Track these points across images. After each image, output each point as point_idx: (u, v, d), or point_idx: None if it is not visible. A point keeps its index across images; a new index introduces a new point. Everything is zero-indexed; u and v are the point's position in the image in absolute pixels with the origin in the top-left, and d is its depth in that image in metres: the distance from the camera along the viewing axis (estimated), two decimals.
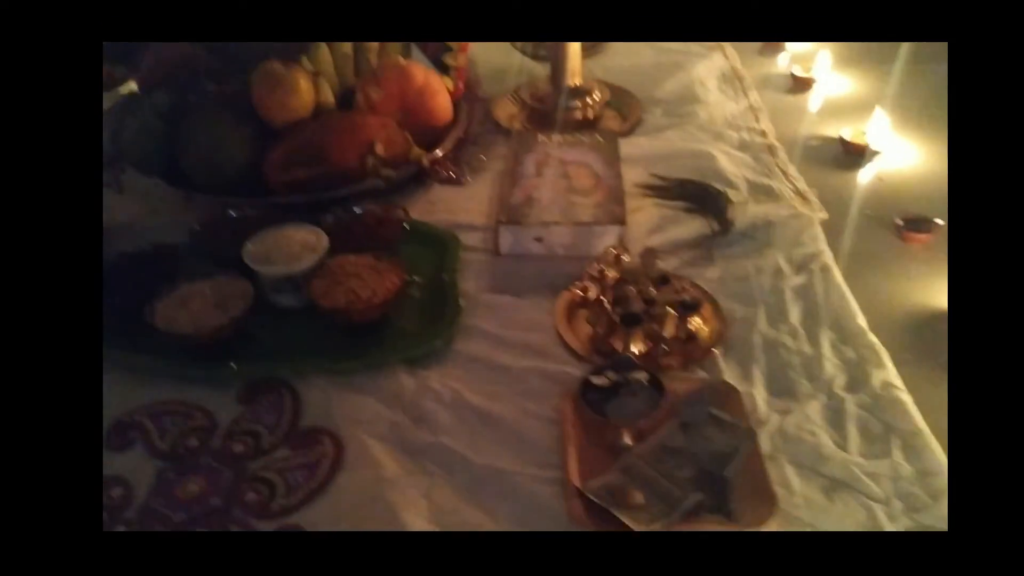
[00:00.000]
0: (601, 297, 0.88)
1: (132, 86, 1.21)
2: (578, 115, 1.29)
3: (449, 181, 1.16)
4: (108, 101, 1.17)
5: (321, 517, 0.70)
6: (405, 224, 1.00)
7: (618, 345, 0.84)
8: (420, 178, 1.15)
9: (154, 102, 1.11)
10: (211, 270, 0.91)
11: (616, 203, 1.02)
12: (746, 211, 1.06)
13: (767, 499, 0.69)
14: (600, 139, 1.16)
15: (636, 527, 0.66)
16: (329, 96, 1.13)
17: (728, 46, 1.58)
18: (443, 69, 1.23)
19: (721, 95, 1.41)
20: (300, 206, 1.03)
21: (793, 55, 1.59)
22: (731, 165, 1.18)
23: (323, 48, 1.16)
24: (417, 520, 0.69)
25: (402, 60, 1.17)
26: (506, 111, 1.36)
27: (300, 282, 0.89)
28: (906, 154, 1.24)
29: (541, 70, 1.42)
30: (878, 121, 1.25)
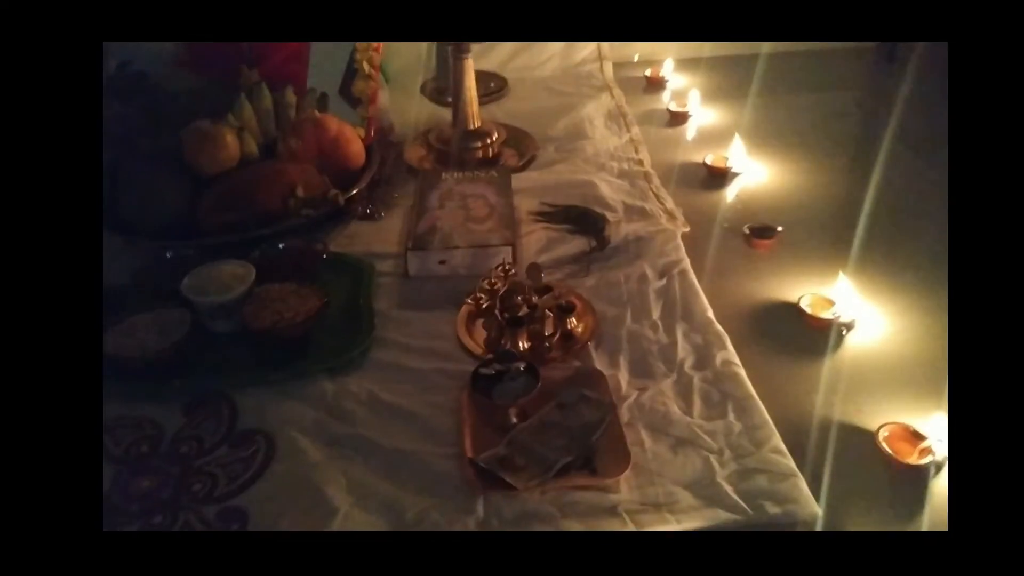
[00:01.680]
0: (492, 305, 1.04)
1: None
2: (479, 154, 1.47)
3: (365, 217, 1.32)
4: None
5: (257, 498, 0.83)
6: (324, 255, 1.15)
7: (507, 343, 1.01)
8: (339, 216, 1.30)
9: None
10: (153, 303, 1.04)
11: (507, 228, 1.19)
12: (620, 229, 1.24)
13: (624, 456, 0.85)
14: (495, 174, 1.34)
15: (518, 485, 0.81)
16: (253, 147, 1.28)
17: (616, 87, 1.79)
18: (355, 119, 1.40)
19: (607, 131, 1.60)
20: (231, 245, 1.16)
21: (673, 92, 1.81)
22: (611, 191, 1.36)
23: (247, 105, 1.31)
24: (339, 494, 0.83)
25: (317, 113, 1.32)
26: (416, 153, 1.52)
27: (232, 309, 1.03)
28: (758, 173, 1.45)
29: (446, 115, 1.60)
30: (737, 147, 1.46)
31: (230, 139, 1.23)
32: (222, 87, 1.40)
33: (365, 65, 1.36)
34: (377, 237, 1.27)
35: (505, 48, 1.91)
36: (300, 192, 1.22)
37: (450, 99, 1.74)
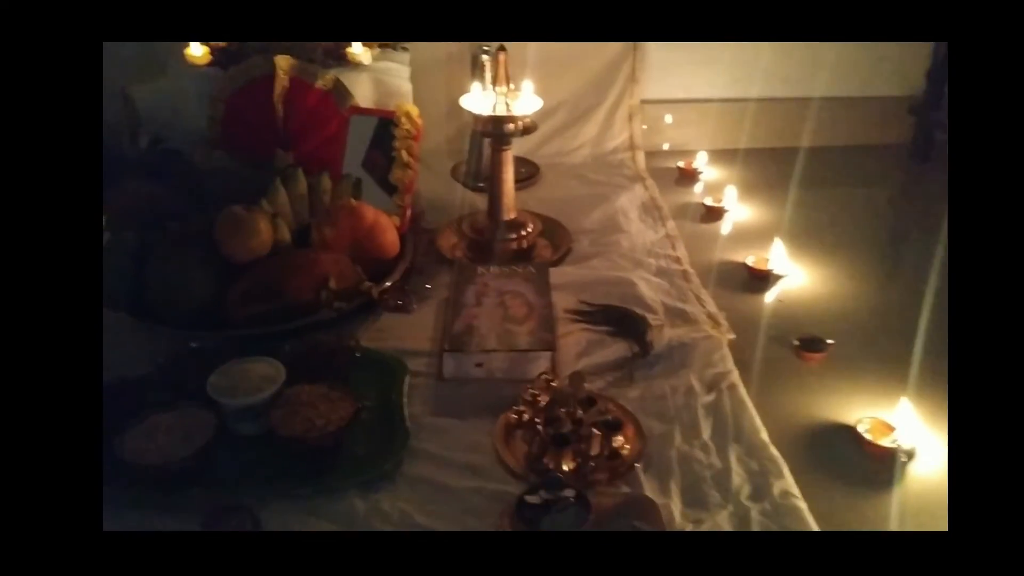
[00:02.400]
0: (535, 419, 0.98)
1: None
2: (513, 246, 1.43)
3: (397, 309, 1.27)
4: None
5: None
6: (356, 353, 1.09)
7: (550, 463, 0.94)
8: (370, 307, 1.25)
9: (123, 241, 1.20)
10: (176, 399, 0.98)
11: (547, 330, 1.14)
12: (663, 334, 1.19)
13: None
14: (532, 270, 1.30)
15: None
16: (286, 234, 1.24)
17: (649, 177, 1.77)
18: (391, 208, 1.36)
19: (642, 224, 1.57)
20: (259, 337, 1.12)
21: (706, 184, 1.78)
22: (650, 291, 1.32)
23: (281, 191, 1.28)
24: None
25: (353, 201, 1.29)
26: (448, 241, 1.49)
27: (260, 412, 0.97)
28: (800, 277, 1.41)
29: (480, 202, 1.57)
30: (777, 249, 1.42)
31: (263, 226, 1.19)
32: (257, 169, 1.37)
33: (404, 154, 1.34)
34: (409, 332, 1.22)
35: (536, 134, 1.89)
36: (333, 284, 1.18)
37: (481, 184, 1.73)
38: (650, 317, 1.23)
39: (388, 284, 1.26)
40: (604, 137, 1.90)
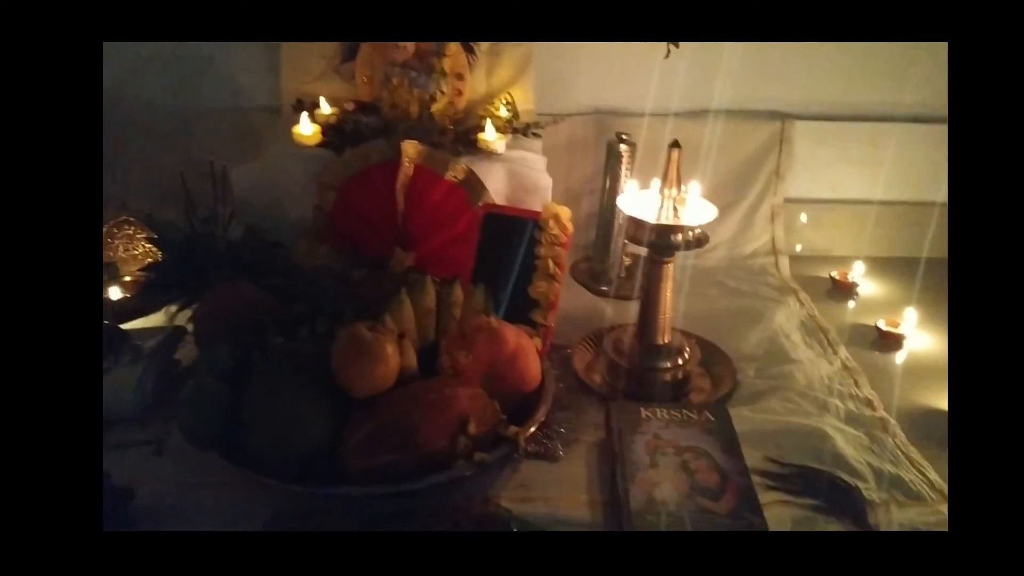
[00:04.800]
0: None
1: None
2: (667, 376, 1.19)
3: (540, 456, 1.03)
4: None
5: None
6: (513, 527, 0.85)
7: None
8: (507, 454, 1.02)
9: (213, 359, 0.98)
10: None
11: (752, 511, 0.88)
12: (890, 516, 0.93)
13: None
14: (711, 416, 1.05)
15: None
16: (413, 360, 1.01)
17: (801, 290, 1.53)
18: (531, 325, 1.14)
19: (810, 351, 1.32)
20: (378, 497, 0.88)
21: (864, 299, 1.54)
22: (848, 447, 1.06)
23: (407, 304, 1.05)
24: None
25: (493, 321, 1.06)
26: (583, 360, 1.25)
27: None
28: None
29: (608, 309, 1.35)
30: None
31: (391, 351, 0.96)
32: (371, 271, 1.16)
33: (550, 263, 1.11)
34: (560, 489, 0.98)
35: None
36: (472, 428, 0.94)
37: (605, 288, 1.51)
38: (861, 486, 0.98)
39: (534, 427, 1.02)
40: (742, 239, 1.67)
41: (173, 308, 1.22)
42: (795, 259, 1.68)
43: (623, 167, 1.46)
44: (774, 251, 1.67)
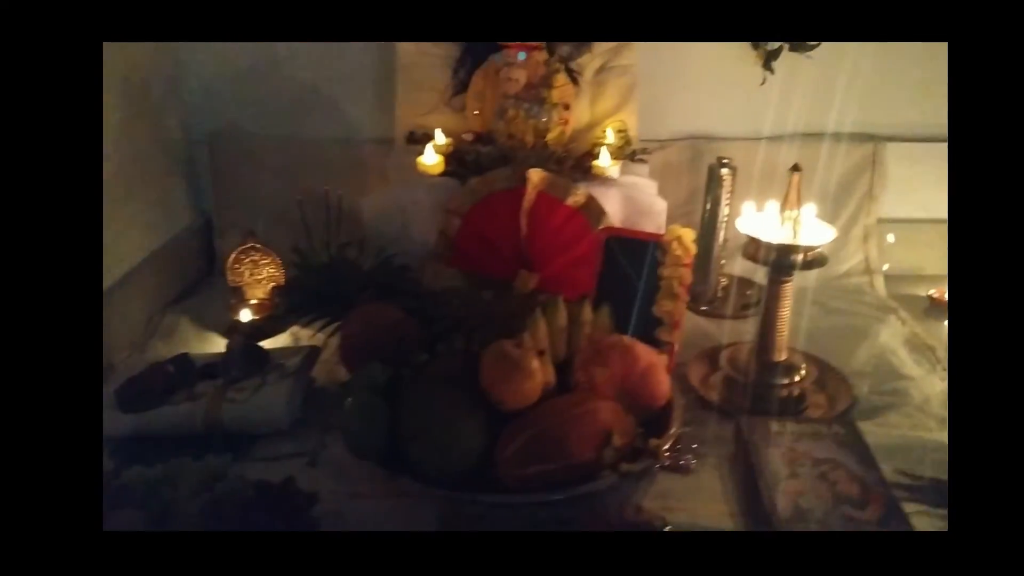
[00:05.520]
0: None
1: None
2: (784, 392, 1.22)
3: (673, 469, 1.07)
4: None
5: None
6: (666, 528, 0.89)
7: None
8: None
9: (370, 376, 1.05)
10: None
11: (899, 520, 0.91)
12: None
13: None
14: (840, 429, 1.08)
15: None
16: (552, 375, 1.07)
17: (901, 309, 1.55)
18: (654, 343, 1.18)
19: (919, 368, 1.34)
20: (532, 505, 0.94)
21: None
22: None
23: (542, 323, 1.11)
24: None
25: (625, 339, 1.11)
26: (698, 374, 1.30)
27: None
28: None
29: (706, 326, 1.39)
30: None
31: (536, 366, 1.02)
32: (500, 293, 1.22)
33: (675, 283, 1.16)
34: (698, 501, 1.02)
35: None
36: (617, 440, 0.99)
37: (705, 308, 1.55)
38: None
39: (671, 439, 1.06)
40: (835, 259, 1.69)
41: (306, 328, 1.29)
42: (888, 278, 1.70)
43: (724, 190, 1.51)
44: (868, 270, 1.69)
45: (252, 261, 1.50)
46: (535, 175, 1.26)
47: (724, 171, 1.49)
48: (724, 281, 1.62)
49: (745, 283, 1.63)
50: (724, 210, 1.53)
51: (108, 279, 1.39)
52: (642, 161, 1.46)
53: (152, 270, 1.52)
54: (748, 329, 1.41)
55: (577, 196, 1.27)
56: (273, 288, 1.50)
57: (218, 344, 1.40)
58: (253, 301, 1.49)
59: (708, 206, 1.54)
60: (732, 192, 1.52)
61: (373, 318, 1.14)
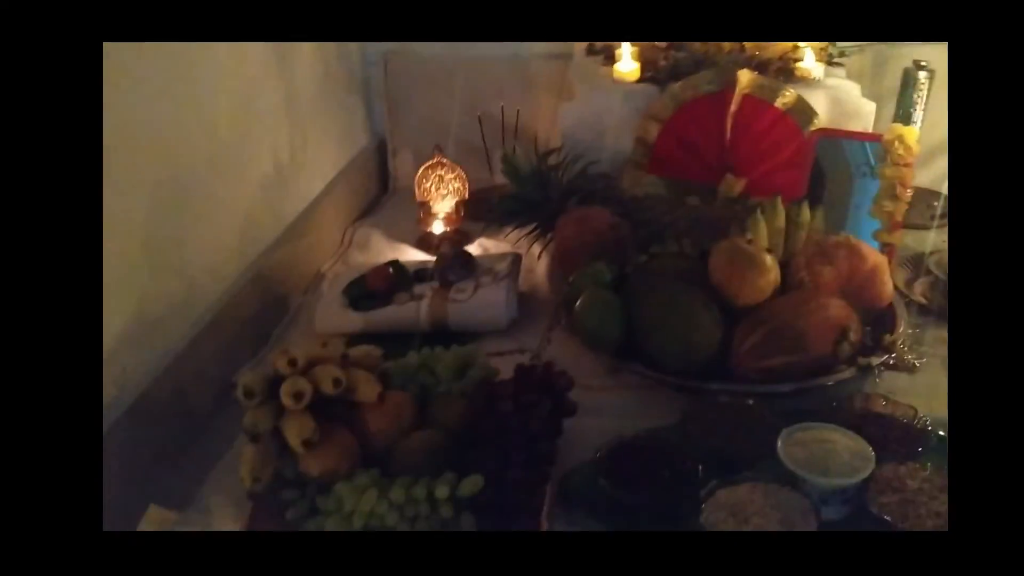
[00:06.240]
0: None
1: None
2: None
3: (902, 366, 1.07)
4: None
5: None
6: (928, 427, 0.90)
7: None
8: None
9: (596, 273, 1.08)
10: (730, 470, 0.83)
11: None
12: None
13: None
14: None
15: None
16: (779, 275, 1.07)
17: None
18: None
19: None
20: (766, 396, 0.96)
21: None
22: None
23: (762, 224, 1.11)
24: None
25: (851, 238, 1.10)
26: (901, 277, 1.28)
27: (851, 495, 0.80)
28: None
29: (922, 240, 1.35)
30: None
31: (771, 262, 1.03)
32: (703, 198, 1.23)
33: (896, 184, 1.14)
34: (920, 394, 1.01)
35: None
36: (853, 335, 0.99)
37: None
38: None
39: (897, 338, 1.06)
40: None
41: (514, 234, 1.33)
42: None
43: (919, 95, 1.45)
44: None
45: (438, 176, 1.54)
46: (744, 77, 1.24)
47: (921, 74, 1.43)
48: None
49: (931, 194, 1.58)
50: (918, 114, 1.47)
51: (309, 193, 1.47)
52: (839, 64, 1.42)
53: (343, 186, 1.59)
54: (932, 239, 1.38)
55: (786, 98, 1.25)
56: (458, 202, 1.55)
57: (410, 254, 1.46)
58: (440, 214, 1.54)
59: (900, 111, 1.48)
60: (927, 97, 1.46)
61: (590, 221, 1.17)
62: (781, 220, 1.14)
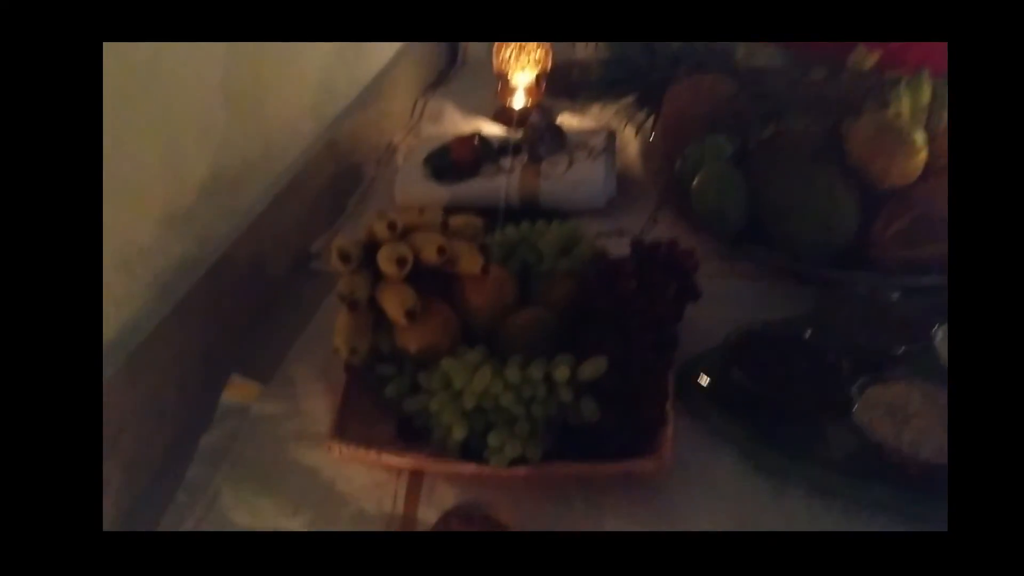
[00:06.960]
0: None
1: None
2: None
3: None
4: None
5: None
6: None
7: None
8: None
9: (715, 147, 0.97)
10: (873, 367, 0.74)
11: None
12: None
13: None
14: None
15: None
16: (927, 156, 0.95)
17: None
18: None
19: None
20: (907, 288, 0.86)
21: None
22: None
23: (906, 98, 0.97)
24: None
25: None
26: None
27: None
28: None
29: None
30: None
31: (920, 142, 0.91)
32: (831, 72, 1.09)
33: None
34: None
35: None
36: None
37: None
38: None
39: None
40: None
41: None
42: None
43: None
44: None
45: (518, 46, 1.41)
46: None
47: None
48: None
49: None
50: None
51: (375, 65, 1.35)
52: None
53: (411, 57, 1.46)
54: None
55: None
56: (539, 75, 1.42)
57: (486, 128, 1.36)
58: (520, 87, 1.42)
59: None
60: None
61: (706, 89, 1.05)
62: (927, 96, 1.00)
